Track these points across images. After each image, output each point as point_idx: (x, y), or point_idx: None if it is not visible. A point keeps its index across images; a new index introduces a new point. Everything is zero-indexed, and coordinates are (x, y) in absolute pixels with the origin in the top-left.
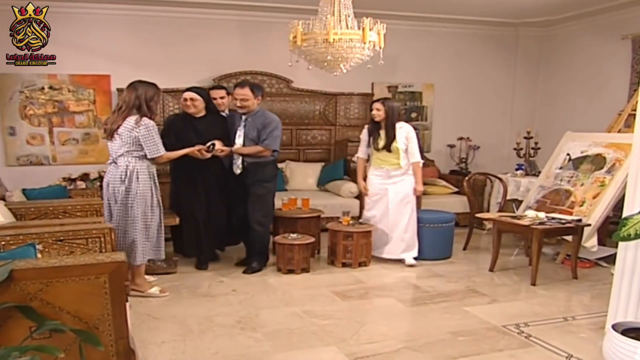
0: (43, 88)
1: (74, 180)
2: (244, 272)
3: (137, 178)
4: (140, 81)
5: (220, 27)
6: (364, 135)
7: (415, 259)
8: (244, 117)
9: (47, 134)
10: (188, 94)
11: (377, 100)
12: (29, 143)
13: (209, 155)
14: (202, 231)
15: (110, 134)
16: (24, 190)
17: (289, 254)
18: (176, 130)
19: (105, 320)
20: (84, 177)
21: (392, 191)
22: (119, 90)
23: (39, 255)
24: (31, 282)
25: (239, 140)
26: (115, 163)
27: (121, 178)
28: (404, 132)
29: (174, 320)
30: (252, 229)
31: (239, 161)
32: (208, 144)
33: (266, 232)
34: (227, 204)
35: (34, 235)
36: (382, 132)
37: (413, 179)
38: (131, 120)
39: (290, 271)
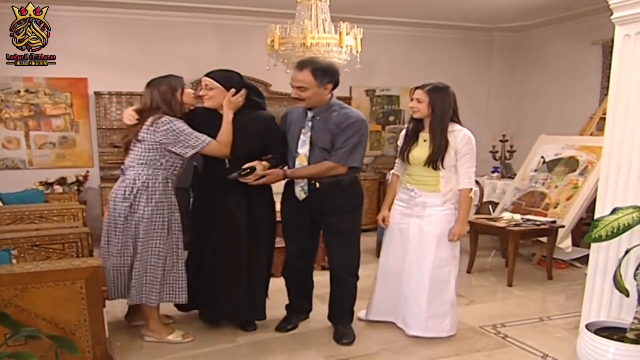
0: (19, 91)
1: (50, 184)
2: (340, 342)
3: (147, 196)
4: (152, 80)
5: (198, 31)
6: (401, 139)
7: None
8: (309, 114)
9: (23, 137)
10: (203, 79)
11: (420, 87)
12: (5, 147)
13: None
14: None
15: (127, 145)
16: None
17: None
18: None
19: (82, 326)
20: (61, 181)
21: (415, 228)
22: (96, 94)
23: (14, 261)
24: (6, 288)
25: (302, 150)
26: (124, 175)
27: (124, 194)
28: (456, 139)
29: None
30: (337, 281)
31: (302, 181)
32: (244, 166)
33: (356, 282)
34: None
35: (9, 241)
36: (425, 136)
37: (453, 214)
38: (148, 122)
39: (271, 275)
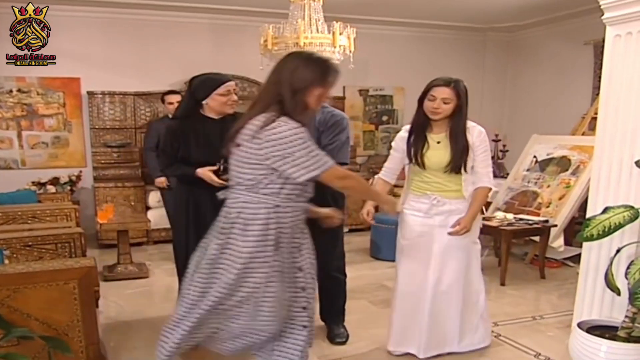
0: (11, 91)
1: (43, 184)
2: (333, 342)
3: (244, 230)
4: (293, 54)
5: (192, 30)
6: (398, 142)
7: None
8: None
9: (16, 137)
10: (231, 84)
11: (445, 84)
12: None
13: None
14: None
15: (229, 144)
16: None
17: None
18: (175, 138)
19: (75, 327)
20: (54, 181)
21: (440, 236)
22: (89, 94)
23: (7, 261)
24: None
25: None
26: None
27: (221, 227)
28: (472, 136)
29: (146, 325)
30: (325, 279)
31: None
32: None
33: (345, 280)
34: None
35: (2, 241)
36: (437, 138)
37: (479, 218)
38: (257, 122)
39: None
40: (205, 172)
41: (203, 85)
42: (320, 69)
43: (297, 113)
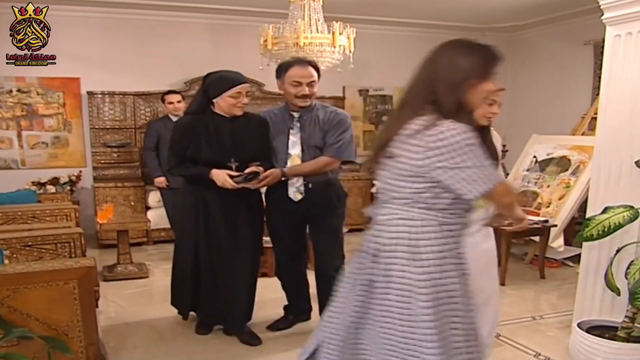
0: (11, 91)
1: (43, 184)
2: None
3: (413, 253)
4: (449, 42)
5: (192, 30)
6: None
7: None
8: (296, 115)
9: (16, 137)
10: (244, 86)
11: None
12: None
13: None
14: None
15: (376, 154)
16: None
17: (262, 257)
18: (185, 134)
19: (74, 327)
20: (54, 181)
21: (471, 249)
22: (89, 94)
23: (6, 261)
24: None
25: (294, 150)
26: (377, 211)
27: (372, 248)
28: (492, 137)
29: (146, 325)
30: (324, 278)
31: (298, 182)
32: (247, 171)
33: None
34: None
35: (1, 241)
36: None
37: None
38: (414, 126)
39: (264, 274)
40: (221, 174)
41: (216, 83)
42: (480, 55)
43: (455, 113)
